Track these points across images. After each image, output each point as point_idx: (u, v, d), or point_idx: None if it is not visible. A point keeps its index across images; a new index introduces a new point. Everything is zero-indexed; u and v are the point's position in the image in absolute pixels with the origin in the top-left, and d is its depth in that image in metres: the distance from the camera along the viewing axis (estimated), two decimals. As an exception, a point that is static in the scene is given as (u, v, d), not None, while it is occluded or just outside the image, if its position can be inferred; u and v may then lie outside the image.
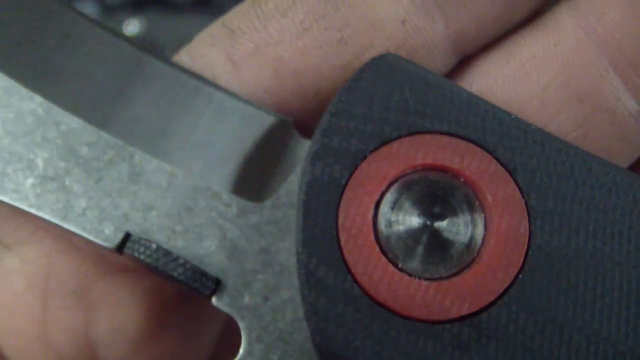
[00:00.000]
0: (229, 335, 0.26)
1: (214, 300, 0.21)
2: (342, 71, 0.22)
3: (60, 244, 0.24)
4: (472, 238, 0.19)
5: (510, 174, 0.19)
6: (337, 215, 0.19)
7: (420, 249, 0.19)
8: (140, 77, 0.23)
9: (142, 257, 0.21)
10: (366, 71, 0.20)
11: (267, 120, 0.22)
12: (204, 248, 0.21)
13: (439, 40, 0.22)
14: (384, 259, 0.19)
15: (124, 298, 0.25)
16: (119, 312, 0.25)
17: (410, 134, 0.19)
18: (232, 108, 0.22)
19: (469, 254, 0.19)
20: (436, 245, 0.19)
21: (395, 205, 0.19)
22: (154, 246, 0.21)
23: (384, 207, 0.19)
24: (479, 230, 0.19)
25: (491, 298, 0.18)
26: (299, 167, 0.21)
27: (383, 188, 0.19)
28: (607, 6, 0.21)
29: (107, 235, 0.22)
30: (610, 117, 0.22)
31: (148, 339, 0.25)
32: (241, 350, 0.21)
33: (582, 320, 0.18)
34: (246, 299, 0.21)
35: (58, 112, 0.22)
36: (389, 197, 0.19)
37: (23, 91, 0.22)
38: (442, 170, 0.19)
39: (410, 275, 0.19)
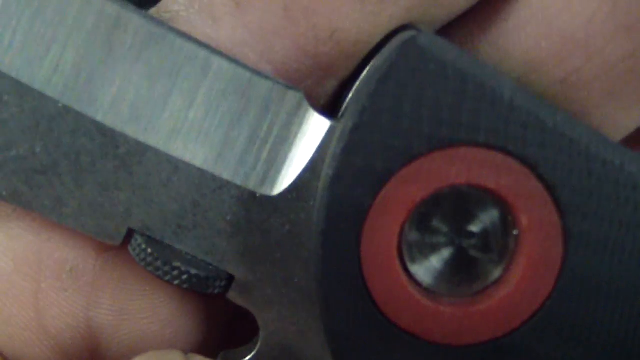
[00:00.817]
0: (240, 321, 0.25)
1: (229, 295, 0.20)
2: (361, 6, 0.20)
3: None
4: (501, 259, 0.18)
5: (550, 192, 0.17)
6: (359, 243, 0.17)
7: (447, 270, 0.18)
8: (121, 42, 0.20)
9: (142, 259, 0.20)
10: (394, 68, 0.17)
11: (276, 93, 0.19)
12: (214, 244, 0.20)
13: None
14: (409, 285, 0.17)
15: (128, 276, 0.23)
16: (123, 291, 0.23)
17: (441, 148, 0.17)
18: (234, 79, 0.20)
19: (498, 276, 0.18)
20: (463, 266, 0.18)
21: (422, 226, 0.18)
22: (156, 246, 0.20)
23: (411, 230, 0.18)
24: (510, 251, 0.17)
25: (518, 323, 0.17)
26: (314, 151, 0.19)
27: (410, 210, 0.17)
28: None
29: (108, 233, 0.20)
30: None
31: (157, 321, 0.23)
32: (259, 344, 0.20)
33: (611, 348, 0.17)
34: (261, 292, 0.19)
35: (34, 94, 0.20)
36: (416, 219, 0.18)
37: None
38: (475, 187, 0.17)
39: (435, 296, 0.18)
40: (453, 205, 0.17)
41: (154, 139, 0.20)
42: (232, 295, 0.20)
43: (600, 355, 0.17)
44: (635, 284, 0.17)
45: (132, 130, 0.20)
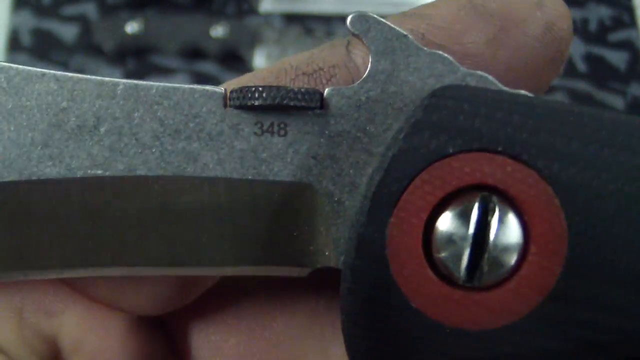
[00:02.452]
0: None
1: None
2: None
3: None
4: (514, 251, 0.19)
5: (555, 191, 0.19)
6: (387, 231, 0.19)
7: (465, 260, 0.19)
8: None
9: (259, 101, 0.21)
10: (435, 97, 0.20)
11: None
12: None
13: None
14: (431, 272, 0.19)
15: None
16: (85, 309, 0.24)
17: (466, 152, 0.20)
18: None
19: (511, 266, 0.19)
20: (481, 257, 0.19)
21: (446, 219, 0.20)
22: (265, 87, 0.22)
23: (435, 221, 0.20)
24: (522, 244, 0.19)
25: (530, 308, 0.19)
26: None
27: (435, 202, 0.19)
28: None
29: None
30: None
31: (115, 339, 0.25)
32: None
33: (617, 323, 0.19)
34: None
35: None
36: (441, 211, 0.20)
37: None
38: (491, 187, 0.20)
39: (454, 283, 0.19)
40: (471, 203, 0.20)
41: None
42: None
43: (607, 330, 0.19)
44: (635, 264, 0.19)
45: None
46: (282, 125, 0.22)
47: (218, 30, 0.67)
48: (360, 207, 0.20)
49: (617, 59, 0.69)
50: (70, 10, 0.70)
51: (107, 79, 0.22)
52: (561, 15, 0.22)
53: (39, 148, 0.22)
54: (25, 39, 0.68)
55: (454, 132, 0.20)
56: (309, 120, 0.22)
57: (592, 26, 0.71)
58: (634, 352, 0.19)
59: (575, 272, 0.19)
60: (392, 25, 0.21)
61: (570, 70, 0.68)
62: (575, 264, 0.19)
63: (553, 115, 0.20)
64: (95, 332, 0.24)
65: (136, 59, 0.67)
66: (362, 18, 0.21)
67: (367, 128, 0.21)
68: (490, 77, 0.21)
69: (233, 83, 0.23)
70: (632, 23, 0.71)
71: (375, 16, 0.21)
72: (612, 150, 0.20)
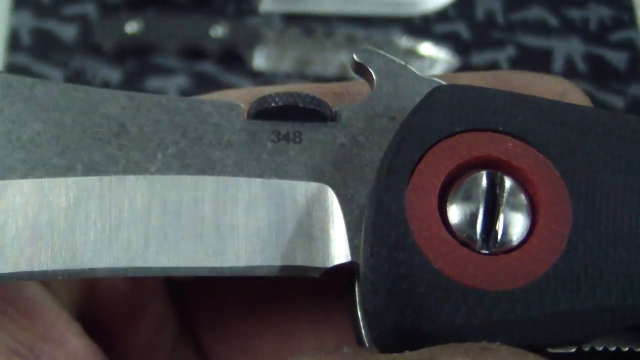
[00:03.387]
0: None
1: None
2: None
3: None
4: (525, 218, 0.21)
5: (555, 165, 0.21)
6: (407, 194, 0.21)
7: (480, 228, 0.21)
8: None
9: (275, 104, 0.23)
10: (437, 91, 0.22)
11: None
12: None
13: None
14: (448, 235, 0.21)
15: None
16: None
17: (476, 130, 0.22)
18: None
19: (523, 231, 0.21)
20: (495, 223, 0.21)
21: (461, 187, 0.21)
22: (280, 93, 0.23)
23: (451, 189, 0.21)
24: (531, 213, 0.21)
25: (541, 272, 0.20)
26: None
27: (450, 172, 0.21)
28: None
29: None
30: None
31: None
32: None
33: (619, 287, 0.21)
34: None
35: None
36: (456, 181, 0.21)
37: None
38: (494, 163, 0.22)
39: (471, 246, 0.21)
40: (481, 175, 0.21)
41: None
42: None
43: (615, 291, 0.20)
44: (634, 231, 0.21)
45: None
46: (297, 134, 0.23)
47: (218, 30, 0.67)
48: (377, 177, 0.22)
49: (617, 59, 0.69)
50: (70, 10, 0.70)
51: (135, 93, 0.23)
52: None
53: (63, 148, 0.22)
54: (25, 39, 0.68)
55: (460, 114, 0.22)
56: (321, 130, 0.24)
57: (592, 26, 0.71)
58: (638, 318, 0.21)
59: (581, 234, 0.21)
60: (393, 57, 0.24)
61: (570, 70, 0.68)
62: (580, 227, 0.21)
63: (544, 103, 0.22)
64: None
65: (136, 59, 0.67)
66: (366, 51, 0.24)
67: (375, 138, 0.23)
68: None
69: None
70: (632, 23, 0.71)
71: (378, 50, 0.24)
72: (602, 126, 0.22)
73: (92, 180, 0.22)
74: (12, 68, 0.66)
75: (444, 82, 0.23)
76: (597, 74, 0.68)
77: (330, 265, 0.22)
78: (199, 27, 0.67)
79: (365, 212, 0.22)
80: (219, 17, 0.68)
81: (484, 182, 0.21)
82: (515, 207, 0.21)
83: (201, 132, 0.23)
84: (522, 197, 0.21)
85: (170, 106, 0.23)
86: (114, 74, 0.66)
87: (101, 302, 0.26)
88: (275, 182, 0.23)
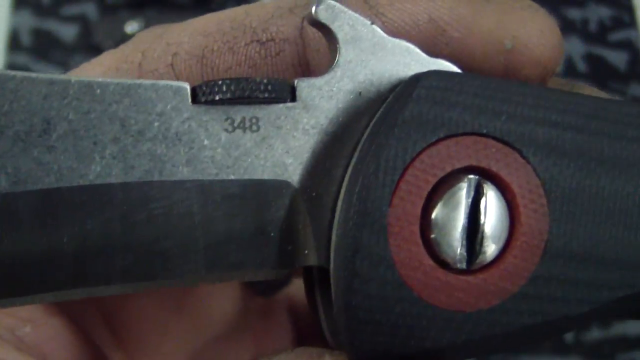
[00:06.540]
0: None
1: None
2: None
3: None
4: (502, 235, 0.20)
5: (536, 174, 0.20)
6: (388, 213, 0.20)
7: (460, 244, 0.20)
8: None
9: (223, 95, 0.20)
10: (419, 83, 0.21)
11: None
12: None
13: None
14: (427, 255, 0.20)
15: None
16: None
17: (454, 136, 0.20)
18: None
19: (499, 248, 0.20)
20: (473, 241, 0.20)
21: (440, 204, 0.20)
22: (230, 80, 0.20)
23: (430, 206, 0.20)
24: (509, 229, 0.20)
25: (517, 288, 0.20)
26: None
27: (429, 187, 0.20)
28: None
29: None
30: None
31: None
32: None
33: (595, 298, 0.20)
34: None
35: None
36: (436, 197, 0.20)
37: None
38: (477, 169, 0.20)
39: (449, 266, 0.20)
40: (463, 187, 0.20)
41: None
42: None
43: (586, 303, 0.20)
44: (611, 242, 0.20)
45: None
46: (253, 121, 0.21)
47: (218, 30, 0.67)
48: (355, 203, 0.20)
49: (617, 59, 0.69)
50: (70, 10, 0.70)
51: (57, 76, 0.20)
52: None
53: None
54: (25, 39, 0.68)
55: (442, 117, 0.20)
56: (281, 113, 0.21)
57: (592, 26, 0.71)
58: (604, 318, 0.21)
59: (556, 250, 0.20)
60: (358, 15, 0.21)
61: (570, 70, 0.68)
62: (556, 243, 0.20)
63: (529, 92, 0.21)
64: None
65: (136, 59, 0.67)
66: (328, 7, 0.21)
67: (340, 119, 0.21)
68: (453, 65, 0.22)
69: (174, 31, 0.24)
70: (632, 23, 0.71)
71: (341, 5, 0.21)
72: (590, 131, 0.21)
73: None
74: (12, 68, 0.66)
75: (412, 45, 0.22)
76: (597, 74, 0.69)
77: (293, 266, 0.21)
78: (199, 27, 0.67)
79: (334, 215, 0.20)
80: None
81: (465, 196, 0.20)
82: (496, 222, 0.20)
83: (143, 124, 0.20)
84: (503, 211, 0.20)
85: (104, 92, 0.20)
86: (114, 74, 0.66)
87: None
88: (234, 181, 0.21)
